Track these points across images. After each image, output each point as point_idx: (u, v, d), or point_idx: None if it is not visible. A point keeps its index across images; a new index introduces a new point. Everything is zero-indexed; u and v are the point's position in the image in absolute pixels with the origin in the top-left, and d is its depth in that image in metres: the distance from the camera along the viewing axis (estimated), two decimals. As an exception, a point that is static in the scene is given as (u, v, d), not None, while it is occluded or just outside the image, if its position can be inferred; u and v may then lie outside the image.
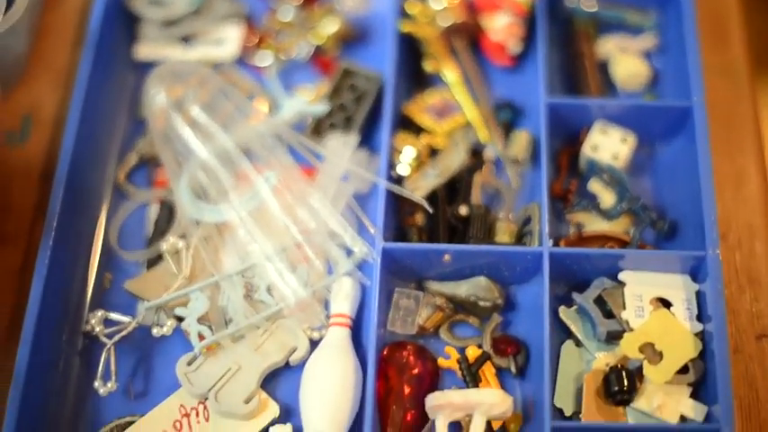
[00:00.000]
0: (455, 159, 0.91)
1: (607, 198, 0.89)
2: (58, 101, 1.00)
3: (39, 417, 0.80)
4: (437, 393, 0.79)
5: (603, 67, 1.00)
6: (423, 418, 0.80)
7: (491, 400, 0.77)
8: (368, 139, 0.95)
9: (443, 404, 0.78)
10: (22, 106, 1.00)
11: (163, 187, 0.93)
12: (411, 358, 0.83)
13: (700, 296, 0.83)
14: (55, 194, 0.86)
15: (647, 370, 0.78)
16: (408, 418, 0.80)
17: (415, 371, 0.82)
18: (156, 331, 0.84)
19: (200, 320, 0.83)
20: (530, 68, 1.01)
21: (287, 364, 0.84)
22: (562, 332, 0.84)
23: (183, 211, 0.88)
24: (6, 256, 0.91)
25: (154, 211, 0.93)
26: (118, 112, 0.99)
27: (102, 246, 0.91)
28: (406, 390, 0.81)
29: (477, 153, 0.94)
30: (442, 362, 0.84)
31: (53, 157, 0.93)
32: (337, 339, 0.83)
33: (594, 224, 0.89)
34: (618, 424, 0.78)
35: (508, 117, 0.96)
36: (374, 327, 0.81)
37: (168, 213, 0.91)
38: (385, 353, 0.83)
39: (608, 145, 0.91)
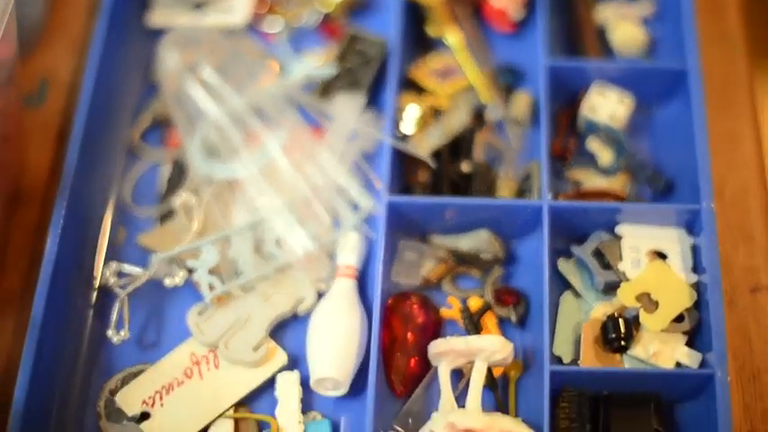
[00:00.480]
0: (458, 120, 0.93)
1: (605, 156, 0.91)
2: (73, 66, 1.01)
3: (53, 366, 0.81)
4: (440, 340, 0.80)
5: (601, 34, 1.01)
6: (426, 366, 0.82)
7: (492, 346, 0.78)
8: (374, 101, 0.96)
9: (446, 351, 0.79)
10: (38, 71, 1.01)
11: (175, 148, 0.94)
12: (415, 308, 0.84)
13: (695, 250, 0.84)
14: (71, 153, 0.88)
15: (644, 318, 0.80)
16: (412, 365, 0.82)
17: (419, 320, 0.83)
18: (168, 282, 0.85)
19: (211, 272, 0.85)
20: (530, 33, 1.02)
21: (295, 315, 0.85)
22: (561, 284, 0.85)
23: (195, 169, 0.90)
24: (22, 213, 0.92)
25: (166, 171, 0.94)
26: (131, 77, 1.00)
27: (116, 203, 0.93)
28: (410, 338, 0.82)
29: (479, 114, 0.95)
30: (444, 312, 0.85)
31: (68, 119, 0.94)
32: (344, 290, 0.84)
33: (592, 181, 0.90)
34: (615, 369, 0.80)
35: (509, 80, 0.97)
36: (379, 279, 0.82)
37: (180, 172, 0.92)
38: (390, 303, 0.84)
39: (606, 106, 0.92)
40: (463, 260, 0.87)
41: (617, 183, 0.90)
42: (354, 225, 0.86)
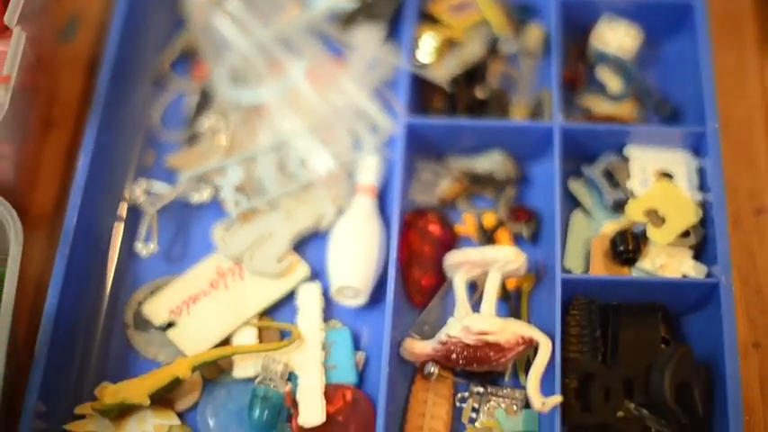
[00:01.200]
0: (472, 51, 0.94)
1: (613, 84, 0.92)
2: (102, 3, 1.03)
3: (83, 279, 0.83)
4: (455, 252, 0.82)
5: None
6: (442, 279, 0.83)
7: (506, 256, 0.80)
8: (393, 33, 0.96)
9: (461, 261, 0.81)
10: (69, 9, 1.03)
11: (201, 78, 0.96)
12: (431, 224, 0.85)
13: (701, 172, 0.86)
14: (101, 82, 0.89)
15: (651, 232, 0.81)
16: (428, 277, 0.83)
17: (435, 235, 0.85)
18: (195, 198, 0.87)
19: (237, 190, 0.87)
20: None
21: (316, 230, 0.87)
22: (571, 204, 0.87)
23: (222, 95, 0.91)
24: (55, 136, 0.94)
25: (193, 100, 0.95)
26: (159, 12, 1.01)
27: (145, 128, 0.94)
28: (427, 252, 0.84)
29: (493, 46, 0.96)
30: (459, 228, 0.87)
31: (98, 53, 0.95)
32: (363, 206, 0.85)
33: (602, 108, 0.92)
34: (624, 277, 0.81)
35: (522, 16, 0.98)
36: (398, 197, 0.84)
37: (207, 99, 0.93)
38: (407, 219, 0.85)
39: (614, 37, 0.93)
40: (477, 180, 0.88)
41: (625, 109, 0.91)
42: (374, 146, 0.88)
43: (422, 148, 0.88)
